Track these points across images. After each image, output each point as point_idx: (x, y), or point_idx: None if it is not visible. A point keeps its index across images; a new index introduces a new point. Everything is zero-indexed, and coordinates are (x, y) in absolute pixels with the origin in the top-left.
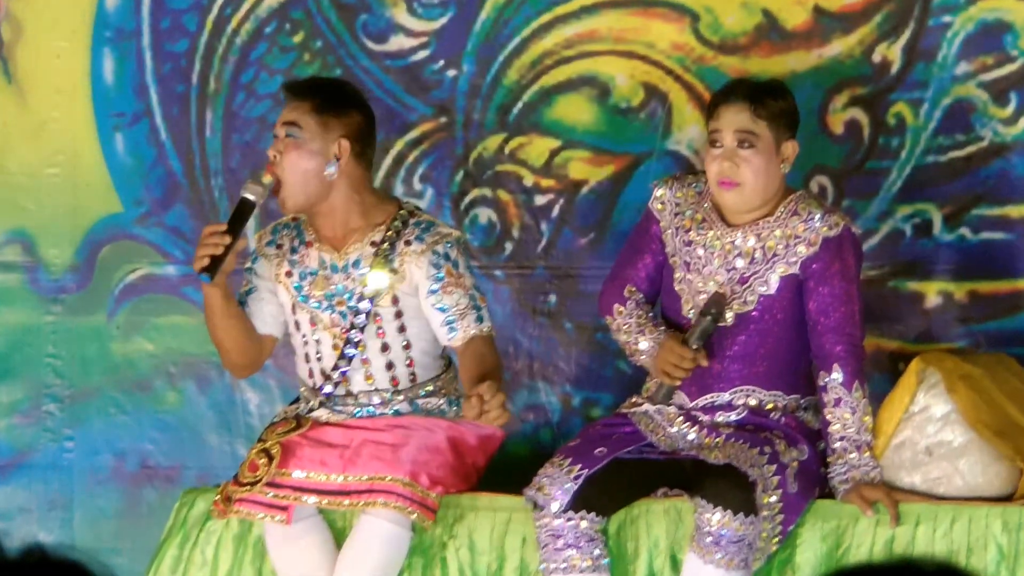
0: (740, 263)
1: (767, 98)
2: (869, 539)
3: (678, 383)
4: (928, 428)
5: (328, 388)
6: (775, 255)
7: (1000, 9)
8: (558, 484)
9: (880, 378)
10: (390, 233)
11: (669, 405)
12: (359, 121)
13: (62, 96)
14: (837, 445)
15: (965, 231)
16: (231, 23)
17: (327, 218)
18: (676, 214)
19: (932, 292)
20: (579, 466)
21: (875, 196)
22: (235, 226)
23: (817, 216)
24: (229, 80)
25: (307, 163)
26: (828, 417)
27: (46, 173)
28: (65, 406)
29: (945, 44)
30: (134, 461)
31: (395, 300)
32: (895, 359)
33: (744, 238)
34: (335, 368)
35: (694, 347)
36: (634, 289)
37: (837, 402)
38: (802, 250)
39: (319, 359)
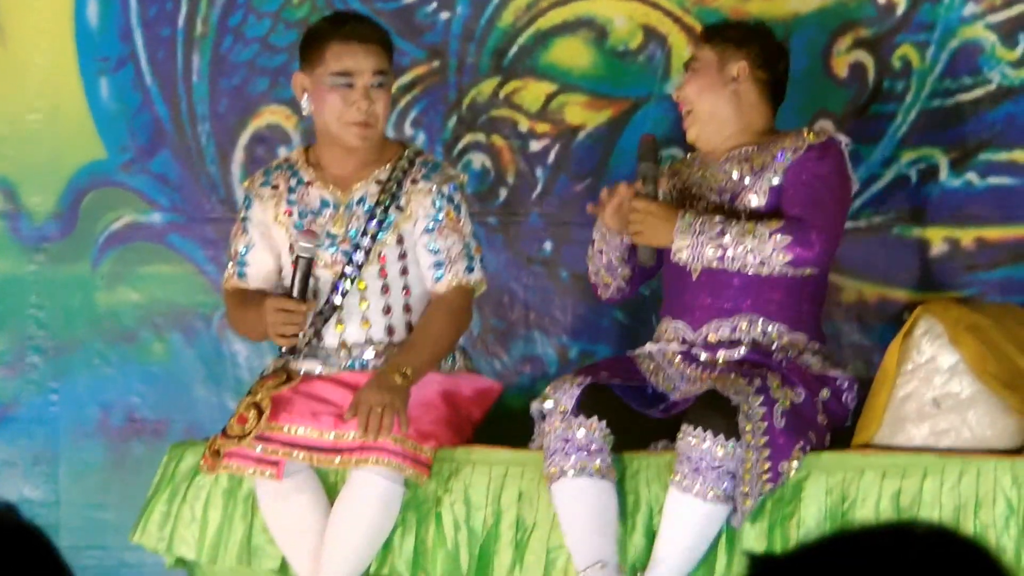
0: (729, 183)
1: (721, 27)
2: (875, 492)
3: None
4: (935, 379)
5: (320, 326)
6: (763, 167)
7: None
8: (563, 391)
9: (885, 328)
10: (396, 172)
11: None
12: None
13: (44, 39)
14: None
15: (972, 176)
16: None
17: (342, 155)
18: (673, 182)
19: (938, 239)
20: (583, 376)
21: (880, 141)
22: (303, 289)
23: (805, 129)
24: (216, 23)
25: (388, 109)
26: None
27: (28, 119)
28: (49, 358)
29: None
30: (120, 414)
31: (400, 240)
32: (900, 308)
33: (729, 162)
34: (329, 304)
35: (643, 192)
36: None
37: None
38: (788, 156)
39: (316, 298)
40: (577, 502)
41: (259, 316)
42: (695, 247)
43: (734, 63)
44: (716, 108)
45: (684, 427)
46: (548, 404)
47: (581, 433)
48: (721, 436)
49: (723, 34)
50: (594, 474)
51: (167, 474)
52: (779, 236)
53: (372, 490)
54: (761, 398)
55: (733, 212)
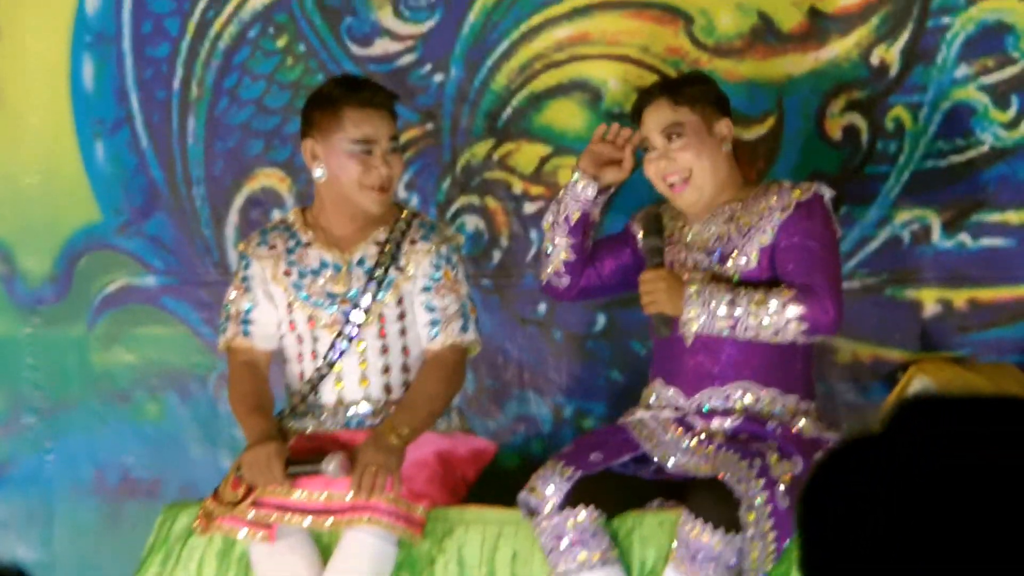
0: (717, 243)
1: (683, 86)
2: None
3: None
4: None
5: (318, 384)
6: (751, 228)
7: (1001, 10)
8: (551, 484)
9: (879, 387)
10: (395, 233)
11: (664, 410)
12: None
13: (41, 101)
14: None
15: (964, 237)
16: (213, 27)
17: (340, 217)
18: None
19: (931, 300)
20: (573, 468)
21: (873, 202)
22: (294, 475)
23: (788, 186)
24: (212, 85)
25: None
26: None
27: (24, 182)
28: (44, 418)
29: (944, 46)
30: (115, 474)
31: (400, 300)
32: (894, 367)
33: (716, 220)
34: (327, 362)
35: (651, 265)
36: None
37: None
38: (777, 216)
39: (314, 358)
40: None
41: (252, 434)
42: (705, 317)
43: (718, 121)
44: (715, 170)
45: (685, 514)
46: (534, 501)
47: (570, 524)
48: (721, 529)
49: (696, 94)
50: (595, 565)
51: (161, 535)
52: (793, 306)
53: (364, 549)
54: (762, 482)
55: (724, 274)
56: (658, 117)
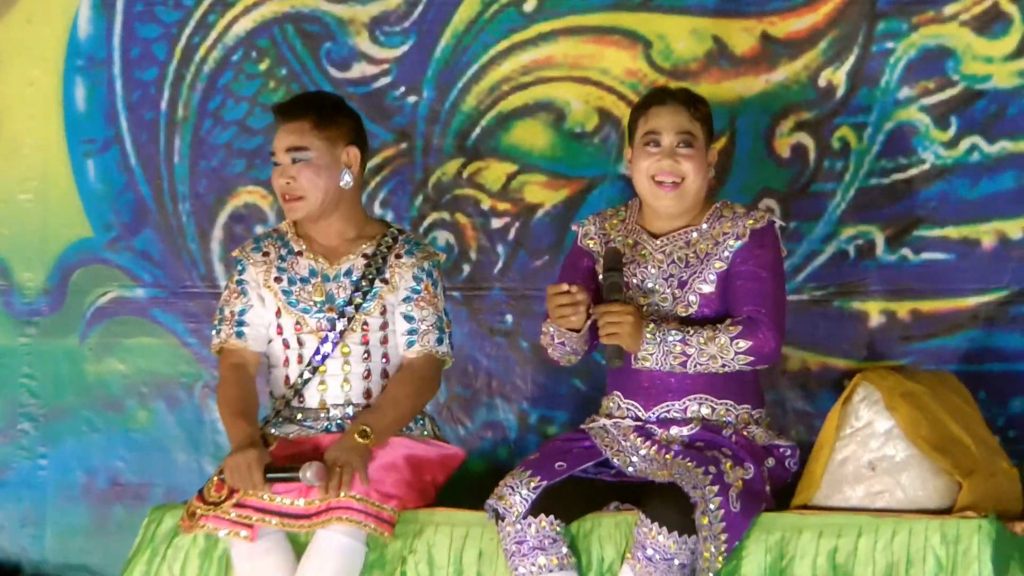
0: (675, 269)
1: (699, 103)
2: (812, 550)
3: (574, 322)
4: (871, 443)
5: (302, 388)
6: (708, 254)
7: (942, 35)
8: (518, 493)
9: (826, 395)
10: (381, 247)
11: (623, 417)
12: (355, 126)
13: (35, 123)
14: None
15: (907, 252)
16: (199, 51)
17: (327, 230)
18: (607, 244)
19: (875, 311)
20: (539, 478)
21: (820, 218)
22: (277, 480)
23: (743, 212)
24: (197, 107)
25: (325, 179)
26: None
27: (19, 199)
28: (39, 425)
29: (888, 69)
30: (105, 478)
31: (383, 311)
32: (840, 376)
33: (675, 245)
34: (311, 366)
35: (612, 299)
36: None
37: (715, 331)
38: (732, 243)
39: (300, 363)
40: None
41: (235, 439)
42: (659, 355)
43: (711, 146)
44: (700, 189)
45: (642, 517)
46: (501, 508)
47: (532, 531)
48: (675, 533)
49: (706, 116)
50: (554, 569)
51: (147, 535)
52: (740, 342)
53: (334, 547)
54: (717, 488)
55: (683, 299)
56: (676, 119)
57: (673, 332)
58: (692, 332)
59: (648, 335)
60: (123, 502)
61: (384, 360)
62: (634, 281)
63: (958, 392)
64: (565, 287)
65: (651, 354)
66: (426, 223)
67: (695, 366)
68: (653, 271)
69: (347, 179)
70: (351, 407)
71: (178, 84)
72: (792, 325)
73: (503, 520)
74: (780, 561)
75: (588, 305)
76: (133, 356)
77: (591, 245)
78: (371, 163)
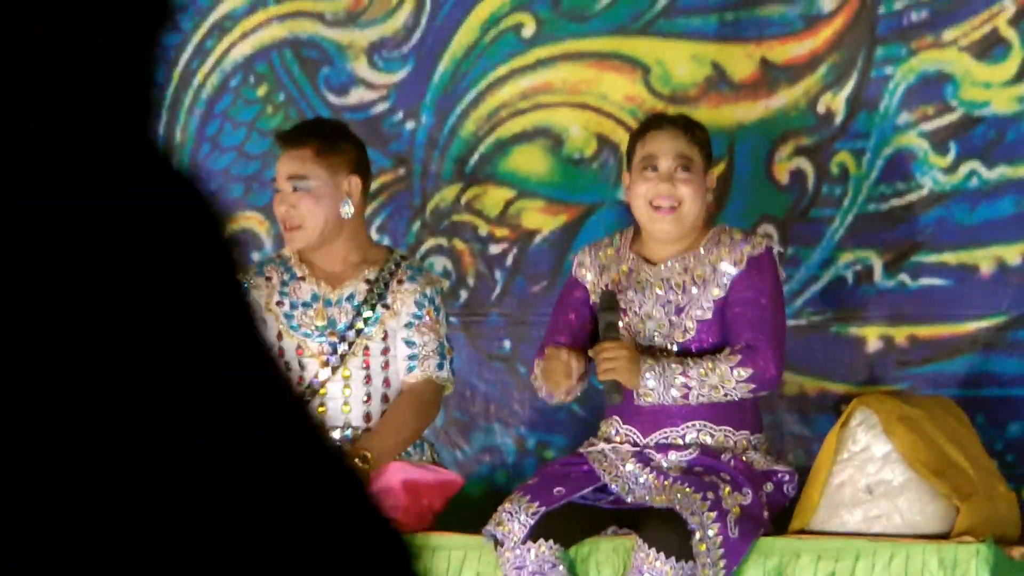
0: (672, 295)
1: (696, 128)
2: (810, 574)
3: (564, 390)
4: (869, 467)
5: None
6: (705, 281)
7: (941, 61)
8: (516, 519)
9: (824, 420)
10: (384, 273)
11: (622, 445)
12: (358, 154)
13: None
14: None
15: (905, 277)
16: (197, 76)
17: (329, 255)
18: (603, 273)
19: (873, 337)
20: (537, 503)
21: (819, 244)
22: None
23: (740, 238)
24: (194, 132)
25: (325, 208)
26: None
27: None
28: None
29: (887, 95)
30: None
31: (385, 336)
32: (837, 400)
33: (672, 271)
34: (311, 389)
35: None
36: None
37: (715, 361)
38: (730, 270)
39: (301, 384)
40: None
41: None
42: (661, 390)
43: (710, 171)
44: (698, 214)
45: (639, 542)
46: (500, 534)
47: (532, 556)
48: (673, 558)
49: (704, 141)
50: None
51: None
52: (740, 370)
53: None
54: (715, 514)
55: (680, 324)
56: (675, 144)
57: (673, 365)
58: (692, 364)
59: (647, 372)
60: None
61: (385, 385)
62: (631, 308)
63: (956, 416)
64: (565, 356)
65: (652, 389)
66: (423, 248)
67: (698, 397)
68: (650, 297)
69: (347, 208)
70: (351, 430)
71: (176, 109)
72: (790, 350)
73: (502, 546)
74: None
75: (580, 377)
76: None
77: (585, 276)
78: (370, 188)
